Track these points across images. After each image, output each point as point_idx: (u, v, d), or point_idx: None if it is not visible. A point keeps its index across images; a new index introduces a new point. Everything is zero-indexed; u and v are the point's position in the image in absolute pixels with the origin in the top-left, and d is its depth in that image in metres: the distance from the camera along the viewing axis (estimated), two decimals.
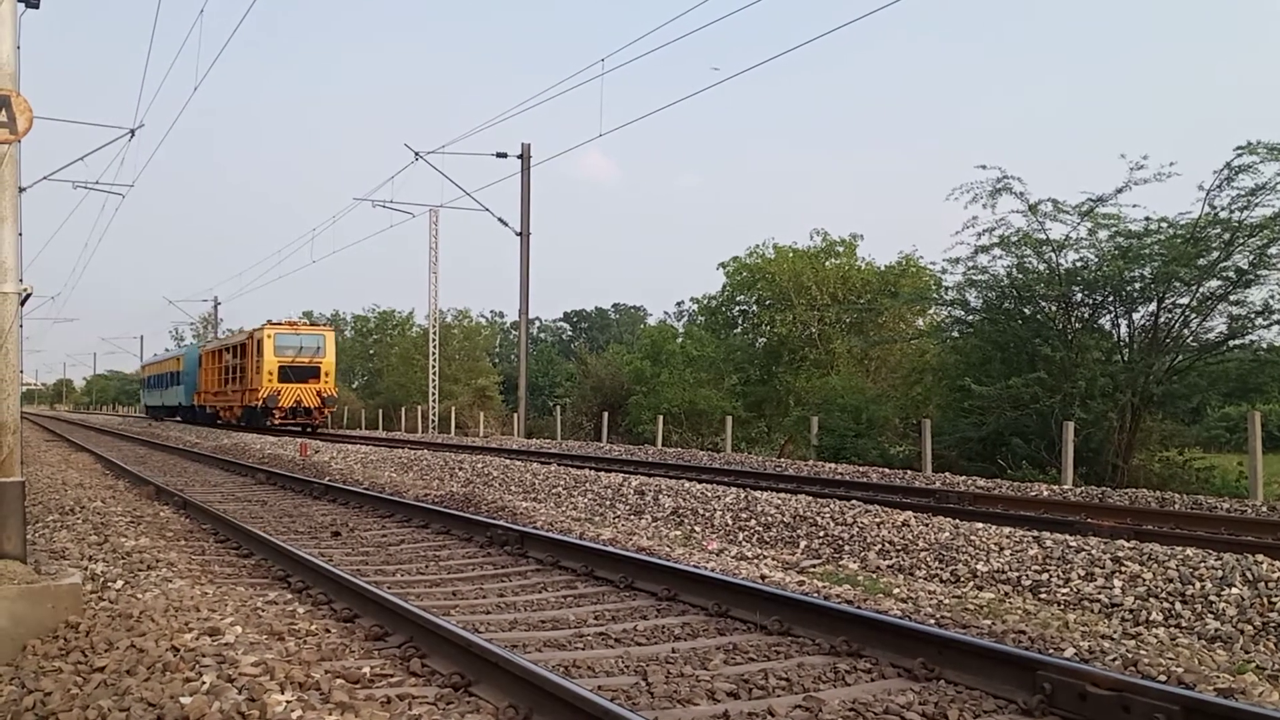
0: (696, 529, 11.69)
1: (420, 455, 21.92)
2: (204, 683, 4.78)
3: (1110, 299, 21.03)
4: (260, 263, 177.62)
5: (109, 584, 7.51)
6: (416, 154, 33.53)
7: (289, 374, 39.55)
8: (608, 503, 13.74)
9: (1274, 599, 6.81)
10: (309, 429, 40.21)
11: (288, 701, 4.49)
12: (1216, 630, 6.70)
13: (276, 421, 39.29)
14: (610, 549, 9.09)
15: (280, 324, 40.69)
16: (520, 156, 34.63)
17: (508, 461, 18.93)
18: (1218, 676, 5.36)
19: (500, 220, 35.10)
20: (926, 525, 9.94)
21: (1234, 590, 7.09)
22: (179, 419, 58.10)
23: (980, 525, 9.76)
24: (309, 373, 40.02)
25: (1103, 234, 21.06)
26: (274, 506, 14.30)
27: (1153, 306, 20.52)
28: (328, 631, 6.30)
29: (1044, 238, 21.67)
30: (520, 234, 34.65)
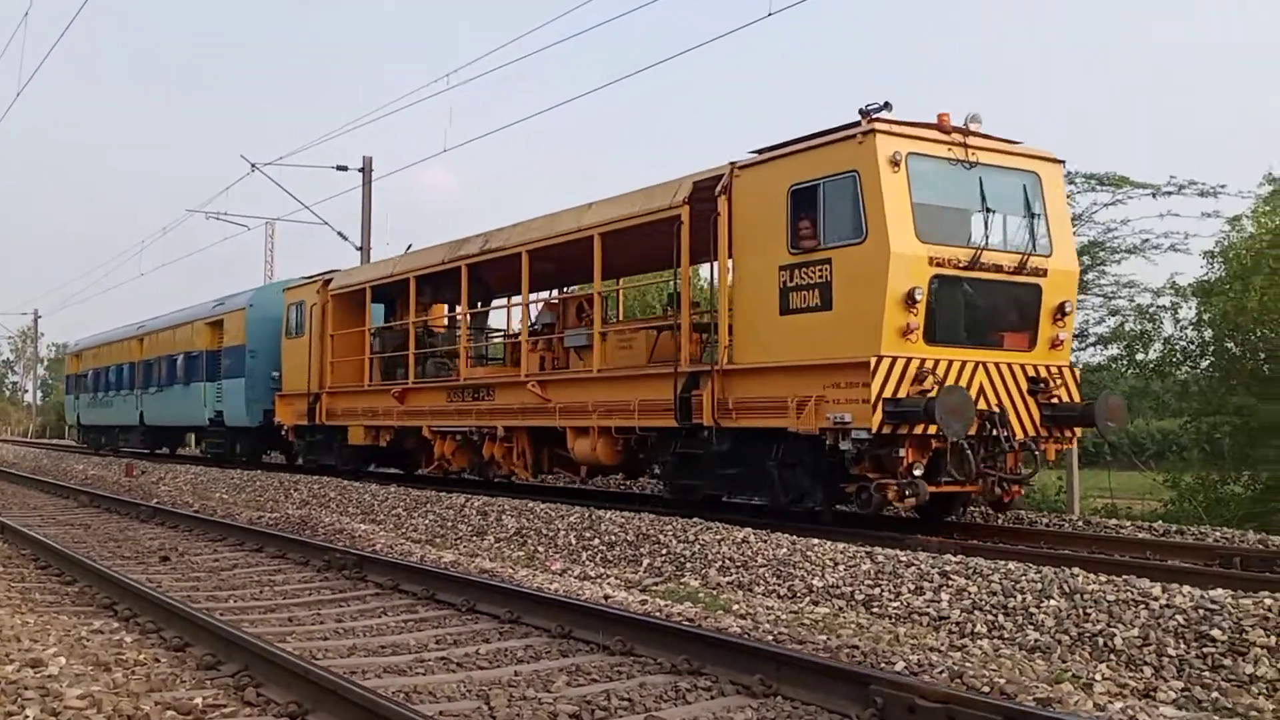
0: (540, 549, 11.68)
1: (254, 476, 21.30)
2: (27, 717, 4.58)
3: None
4: (85, 274, 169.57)
5: None
6: (253, 165, 32.55)
7: (971, 311, 10.98)
8: (449, 524, 13.60)
9: (1089, 610, 7.17)
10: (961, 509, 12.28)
11: None
12: (1036, 641, 7.02)
13: (908, 503, 10.70)
14: (452, 572, 9.03)
15: (909, 127, 10.93)
16: (361, 170, 34.12)
17: (345, 482, 18.54)
18: (1037, 686, 5.63)
19: (340, 234, 34.38)
20: (765, 541, 10.13)
21: (1052, 602, 7.44)
22: (213, 452, 27.50)
23: (816, 541, 10.00)
24: (1016, 312, 11.34)
25: None
26: (98, 530, 13.70)
27: None
28: (157, 661, 6.10)
29: None
30: (360, 249, 34.03)
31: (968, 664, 6.23)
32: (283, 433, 23.35)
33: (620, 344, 15.14)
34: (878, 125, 10.68)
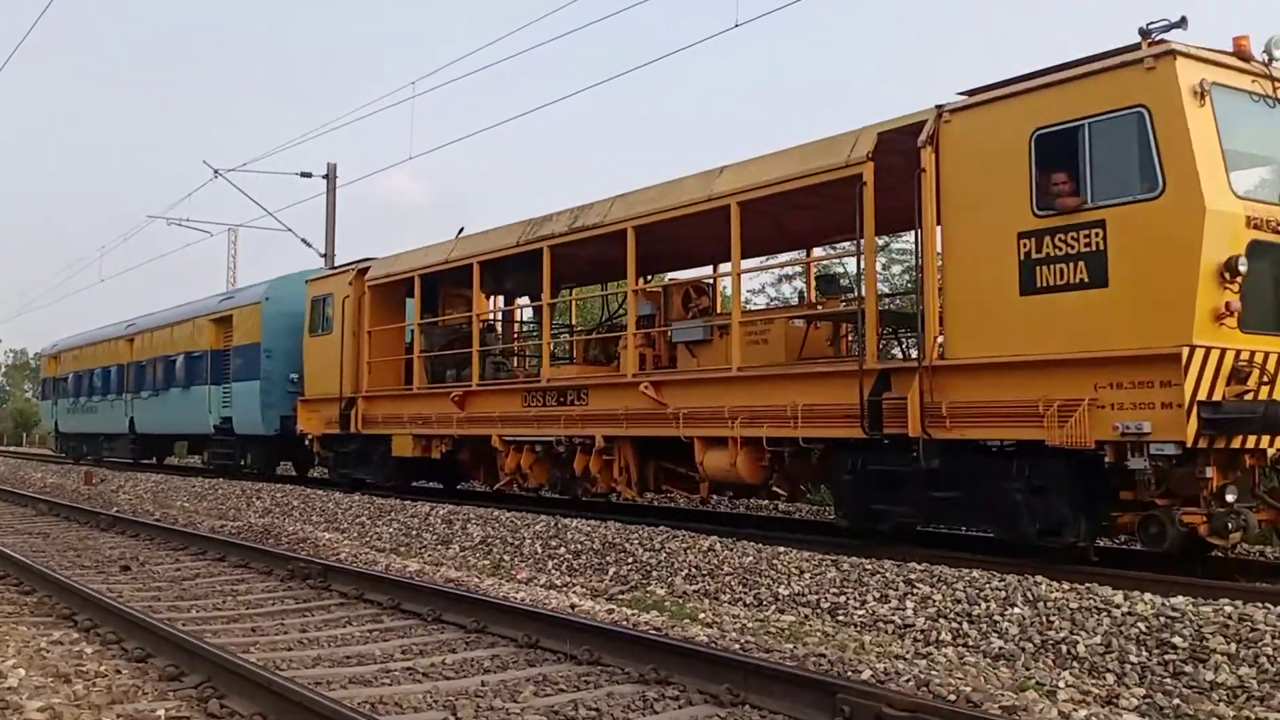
0: (506, 558, 11.64)
1: (216, 484, 21.10)
2: None
3: None
4: (44, 280, 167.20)
5: None
6: (216, 171, 32.30)
7: None
8: (414, 532, 13.54)
9: (1052, 618, 7.24)
10: None
11: None
12: (1001, 648, 7.07)
13: (1232, 539, 8.34)
14: (417, 581, 8.98)
15: (1207, 52, 8.51)
16: (326, 176, 33.94)
17: (308, 490, 18.41)
18: (1002, 694, 5.67)
19: (304, 241, 34.13)
20: (731, 550, 10.15)
21: (1016, 610, 7.50)
22: (219, 463, 24.75)
23: (782, 549, 10.03)
24: None
25: None
26: (57, 539, 13.52)
27: None
28: (119, 672, 6.03)
29: None
30: (324, 255, 33.83)
31: (933, 672, 6.26)
32: (306, 443, 20.24)
33: (750, 338, 12.56)
34: (1176, 47, 8.27)
